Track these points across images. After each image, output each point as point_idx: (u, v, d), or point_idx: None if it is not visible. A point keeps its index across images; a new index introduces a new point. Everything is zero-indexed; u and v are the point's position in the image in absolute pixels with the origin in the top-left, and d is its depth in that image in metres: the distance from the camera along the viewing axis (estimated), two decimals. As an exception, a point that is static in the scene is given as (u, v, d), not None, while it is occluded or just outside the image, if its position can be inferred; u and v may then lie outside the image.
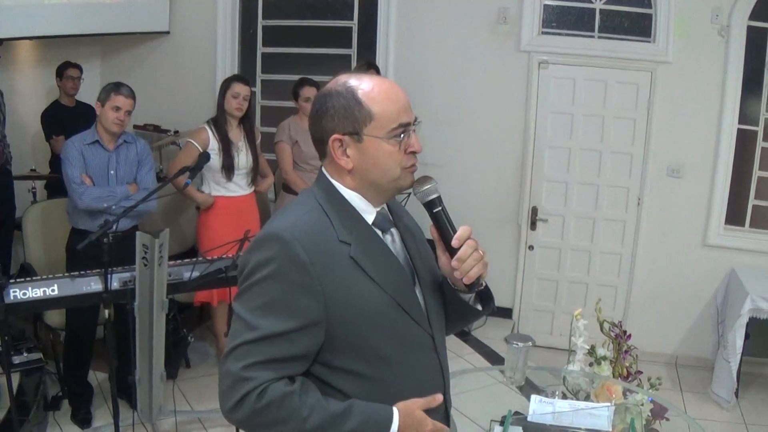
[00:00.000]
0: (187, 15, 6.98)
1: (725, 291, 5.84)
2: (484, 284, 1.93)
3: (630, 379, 3.15)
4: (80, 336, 4.60)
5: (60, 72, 6.33)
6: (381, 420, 1.77)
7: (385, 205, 1.95)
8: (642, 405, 2.84)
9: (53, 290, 3.79)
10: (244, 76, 5.71)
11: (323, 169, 1.91)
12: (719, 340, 5.67)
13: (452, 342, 5.71)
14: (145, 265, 3.82)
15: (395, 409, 1.79)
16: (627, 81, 5.97)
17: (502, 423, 2.62)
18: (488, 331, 6.24)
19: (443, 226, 1.89)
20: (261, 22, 6.98)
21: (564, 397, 2.95)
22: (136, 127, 6.93)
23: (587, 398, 2.96)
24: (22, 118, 6.44)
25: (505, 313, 6.52)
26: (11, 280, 3.77)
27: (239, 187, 5.25)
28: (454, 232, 1.87)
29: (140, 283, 3.87)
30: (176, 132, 6.61)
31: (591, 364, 3.15)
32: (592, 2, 6.03)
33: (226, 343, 1.78)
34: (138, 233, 3.80)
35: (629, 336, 3.22)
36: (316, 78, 5.75)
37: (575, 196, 6.26)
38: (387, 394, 1.82)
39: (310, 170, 5.52)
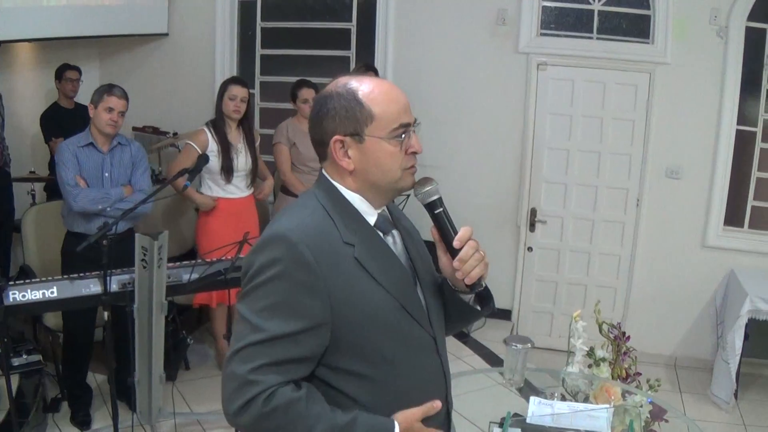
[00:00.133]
0: (186, 17, 6.98)
1: (724, 292, 5.84)
2: (484, 285, 1.94)
3: (629, 380, 3.15)
4: (78, 338, 4.60)
5: (59, 74, 6.34)
6: None
7: (385, 207, 1.95)
8: (641, 406, 2.84)
9: (52, 292, 3.79)
10: (243, 78, 5.70)
11: (324, 171, 1.91)
12: (718, 341, 5.67)
13: (451, 344, 5.69)
14: (144, 267, 3.82)
15: (396, 423, 1.79)
16: (626, 82, 5.97)
17: (501, 425, 2.62)
18: (487, 333, 6.24)
19: (444, 227, 1.89)
20: (260, 24, 6.98)
21: (563, 398, 2.96)
22: (135, 129, 6.94)
23: (586, 400, 2.96)
24: (21, 120, 6.44)
25: (505, 314, 6.52)
26: (10, 282, 3.77)
27: (238, 189, 5.25)
28: (455, 233, 1.88)
29: (139, 285, 3.87)
30: (175, 134, 6.61)
31: (590, 366, 3.15)
32: (590, 3, 6.03)
33: (229, 345, 1.77)
34: (137, 235, 3.81)
35: (628, 337, 3.22)
36: (315, 80, 5.76)
37: (574, 198, 6.26)
38: (390, 396, 1.82)
39: (308, 172, 5.53)
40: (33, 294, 3.75)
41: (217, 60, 6.95)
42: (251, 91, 5.87)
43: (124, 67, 7.21)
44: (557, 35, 6.15)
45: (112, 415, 4.02)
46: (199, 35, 6.96)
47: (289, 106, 5.86)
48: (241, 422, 1.72)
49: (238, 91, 5.11)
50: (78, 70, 6.39)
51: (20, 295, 3.71)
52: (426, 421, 1.85)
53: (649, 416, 2.87)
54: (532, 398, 2.68)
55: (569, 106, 6.14)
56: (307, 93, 5.56)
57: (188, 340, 5.33)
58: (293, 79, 5.85)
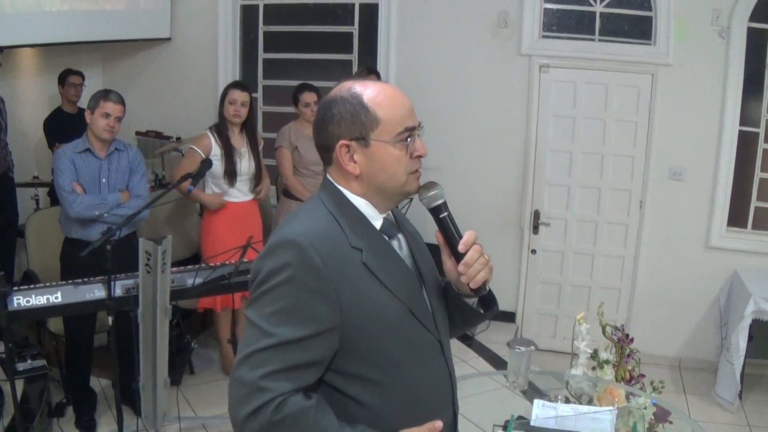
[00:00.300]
0: (188, 21, 7.00)
1: (728, 293, 5.83)
2: (488, 289, 1.94)
3: (632, 382, 3.15)
4: (78, 342, 4.61)
5: (62, 79, 6.36)
6: None
7: (390, 212, 1.95)
8: (645, 408, 2.84)
9: (56, 297, 3.80)
10: (244, 82, 5.71)
11: (329, 176, 1.91)
12: (722, 342, 5.66)
13: (456, 346, 5.70)
14: (149, 272, 3.83)
15: None
16: (628, 84, 5.97)
17: (505, 427, 2.62)
18: (491, 336, 6.24)
19: (449, 231, 1.90)
20: (262, 28, 7.00)
21: (567, 401, 2.96)
22: (138, 133, 6.96)
23: (590, 402, 2.96)
24: (24, 125, 6.46)
25: (509, 317, 6.52)
26: (14, 288, 3.77)
27: (241, 193, 5.25)
28: (460, 237, 1.88)
29: (143, 289, 3.87)
30: (178, 138, 6.62)
31: (594, 368, 3.15)
32: (592, 5, 6.03)
33: (238, 350, 1.76)
34: (141, 240, 3.81)
35: (632, 339, 3.22)
36: (318, 83, 5.77)
37: (577, 200, 6.26)
38: (398, 400, 1.83)
39: (310, 175, 5.53)
40: (37, 299, 3.76)
41: (219, 64, 6.97)
42: (254, 95, 5.87)
43: (127, 71, 7.23)
44: (559, 37, 6.15)
45: (117, 419, 4.03)
46: (201, 40, 6.98)
47: (291, 109, 5.86)
48: (249, 429, 1.70)
49: (237, 96, 5.11)
50: (81, 75, 6.41)
51: (24, 300, 3.72)
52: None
53: (653, 418, 2.87)
54: (535, 401, 2.67)
55: (572, 108, 6.14)
56: (308, 97, 5.56)
57: (192, 344, 5.33)
58: (296, 82, 5.86)
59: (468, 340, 6.16)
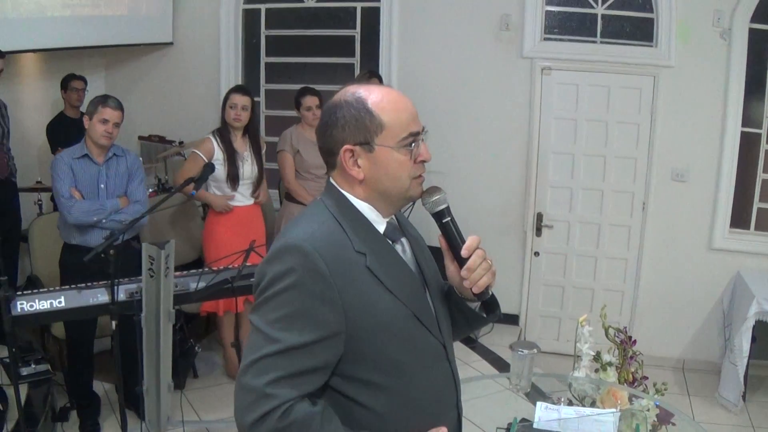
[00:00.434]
0: (191, 26, 7.02)
1: (731, 294, 5.83)
2: (491, 293, 1.94)
3: (635, 384, 3.15)
4: (79, 346, 4.61)
5: (64, 84, 6.38)
6: None
7: (393, 215, 1.95)
8: (648, 410, 2.84)
9: (60, 302, 3.81)
10: (245, 86, 5.72)
11: (332, 180, 1.90)
12: (726, 343, 5.65)
13: (459, 349, 5.70)
14: (152, 277, 3.83)
15: None
16: (630, 86, 5.98)
17: (508, 430, 2.62)
18: (495, 338, 6.25)
19: (452, 236, 1.89)
20: (264, 32, 7.01)
21: (570, 403, 2.95)
22: (141, 138, 6.98)
23: (593, 404, 2.96)
24: (27, 130, 6.47)
25: (512, 319, 6.52)
26: (18, 293, 3.78)
27: (244, 197, 5.27)
28: (463, 242, 1.88)
29: (147, 294, 3.88)
30: (181, 143, 6.63)
31: (596, 370, 3.15)
32: (593, 7, 6.03)
33: (243, 356, 1.75)
34: (144, 244, 3.82)
35: (634, 341, 3.22)
36: (321, 87, 5.78)
37: (580, 202, 6.26)
38: (403, 404, 1.82)
39: (312, 179, 5.54)
40: (41, 304, 3.76)
41: (222, 68, 6.98)
42: (256, 99, 5.87)
43: (130, 76, 7.25)
44: (561, 40, 6.16)
45: (121, 423, 4.04)
46: (203, 44, 7.00)
47: (294, 113, 5.86)
48: None
49: (238, 100, 5.12)
50: (83, 79, 6.43)
51: (28, 305, 3.73)
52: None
53: (655, 420, 2.87)
54: (539, 403, 2.68)
55: (574, 111, 6.14)
56: (310, 101, 5.57)
57: (196, 348, 5.34)
58: (298, 86, 5.86)
59: (471, 343, 6.16)
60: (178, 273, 4.16)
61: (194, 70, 7.08)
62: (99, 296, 3.89)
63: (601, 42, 6.06)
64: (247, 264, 4.18)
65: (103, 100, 4.43)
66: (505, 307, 5.95)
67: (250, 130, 5.27)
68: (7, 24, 5.48)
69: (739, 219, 5.97)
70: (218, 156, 5.10)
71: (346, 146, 1.81)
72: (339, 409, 1.77)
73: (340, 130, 1.81)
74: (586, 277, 6.36)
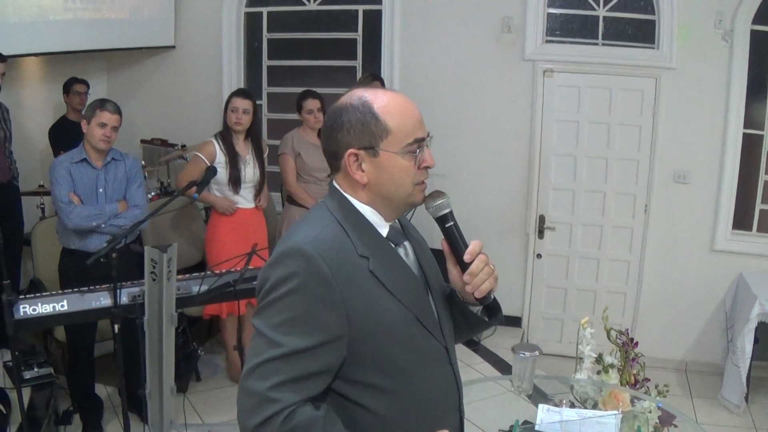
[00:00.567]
0: (193, 29, 7.03)
1: (734, 296, 5.83)
2: (493, 297, 1.94)
3: (637, 386, 3.15)
4: (79, 350, 4.62)
5: (67, 88, 6.38)
6: None
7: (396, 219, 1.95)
8: (650, 412, 2.84)
9: (62, 306, 3.80)
10: (247, 89, 5.72)
11: (335, 183, 1.90)
12: (728, 345, 5.65)
13: (462, 352, 5.71)
14: (154, 280, 3.83)
15: None
16: (632, 88, 5.98)
17: (510, 432, 2.63)
18: (497, 341, 6.24)
19: (455, 240, 1.89)
20: (266, 35, 7.02)
21: (572, 405, 2.96)
22: (143, 141, 6.99)
23: (595, 406, 2.96)
24: (29, 134, 6.48)
25: (514, 321, 6.52)
26: (21, 296, 3.78)
27: (245, 200, 5.27)
28: (466, 246, 1.88)
29: (149, 297, 3.88)
30: (183, 146, 6.63)
31: (599, 372, 3.15)
32: (595, 9, 6.04)
33: (246, 359, 1.75)
34: (147, 248, 3.81)
35: (636, 343, 3.22)
36: (322, 90, 5.77)
37: (582, 204, 6.26)
38: (406, 407, 1.82)
39: (314, 182, 5.54)
40: (43, 307, 3.76)
41: (224, 72, 6.99)
42: (258, 102, 5.88)
43: (132, 79, 7.26)
44: (563, 42, 6.16)
45: (124, 427, 4.03)
46: (205, 47, 7.01)
47: (296, 116, 5.86)
48: None
49: (239, 103, 5.13)
50: (86, 83, 6.43)
51: (31, 308, 3.72)
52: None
53: (657, 422, 2.87)
54: (541, 405, 2.68)
55: (576, 113, 6.15)
56: (311, 104, 5.55)
57: (199, 351, 5.35)
58: (300, 89, 5.84)
59: (474, 345, 6.16)
60: (180, 276, 4.15)
61: (196, 73, 7.09)
62: (102, 300, 3.88)
63: (603, 44, 6.07)
64: (250, 267, 4.18)
65: (100, 103, 4.41)
66: (508, 310, 5.96)
67: (252, 134, 5.27)
68: (9, 28, 5.49)
69: (742, 220, 5.97)
70: (220, 159, 5.11)
71: (351, 150, 1.81)
72: (342, 413, 1.77)
73: (345, 133, 1.81)
74: (588, 279, 6.36)
